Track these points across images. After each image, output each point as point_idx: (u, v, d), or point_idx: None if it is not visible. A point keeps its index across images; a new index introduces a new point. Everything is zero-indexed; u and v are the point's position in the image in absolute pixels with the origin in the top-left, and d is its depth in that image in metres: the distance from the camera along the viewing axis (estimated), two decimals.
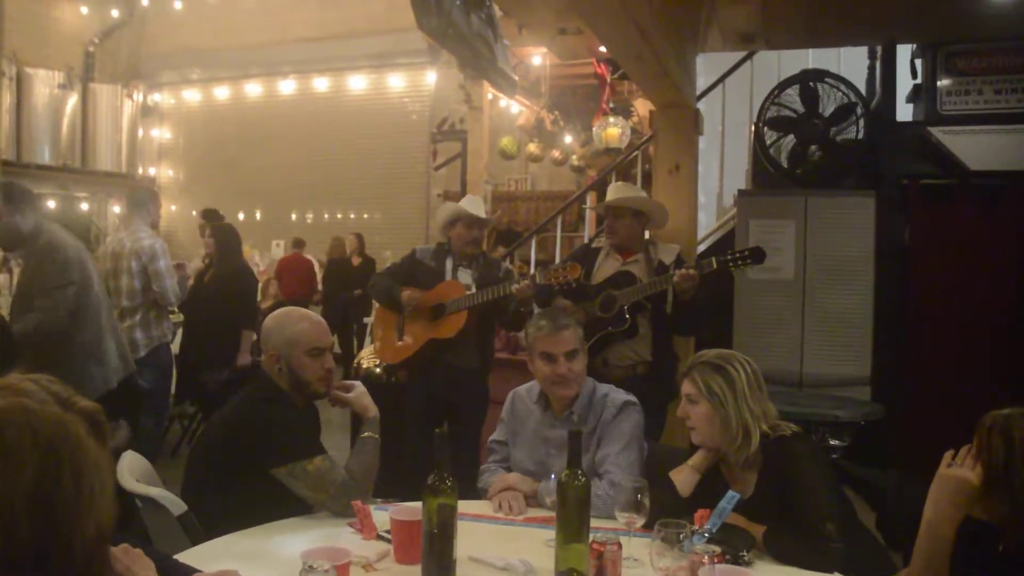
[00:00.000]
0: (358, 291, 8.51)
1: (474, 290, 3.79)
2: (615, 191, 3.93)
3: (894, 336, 5.14)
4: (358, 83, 11.62)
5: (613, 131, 7.04)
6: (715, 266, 3.44)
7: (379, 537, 2.05)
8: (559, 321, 2.49)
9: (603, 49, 5.73)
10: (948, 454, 1.62)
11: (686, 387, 2.23)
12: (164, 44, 12.22)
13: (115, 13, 12.17)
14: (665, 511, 1.91)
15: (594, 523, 1.86)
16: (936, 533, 1.55)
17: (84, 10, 11.93)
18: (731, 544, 1.86)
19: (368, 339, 7.91)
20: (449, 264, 3.93)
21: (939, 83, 5.15)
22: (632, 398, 2.49)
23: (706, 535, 1.87)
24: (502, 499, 2.31)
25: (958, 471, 1.56)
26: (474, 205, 3.95)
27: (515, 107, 8.94)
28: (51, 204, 10.79)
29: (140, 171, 12.06)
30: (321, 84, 11.81)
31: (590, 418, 2.45)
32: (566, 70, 7.87)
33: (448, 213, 4.00)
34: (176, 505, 2.17)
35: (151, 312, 4.64)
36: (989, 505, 1.54)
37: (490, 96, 7.88)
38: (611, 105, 7.43)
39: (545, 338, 2.46)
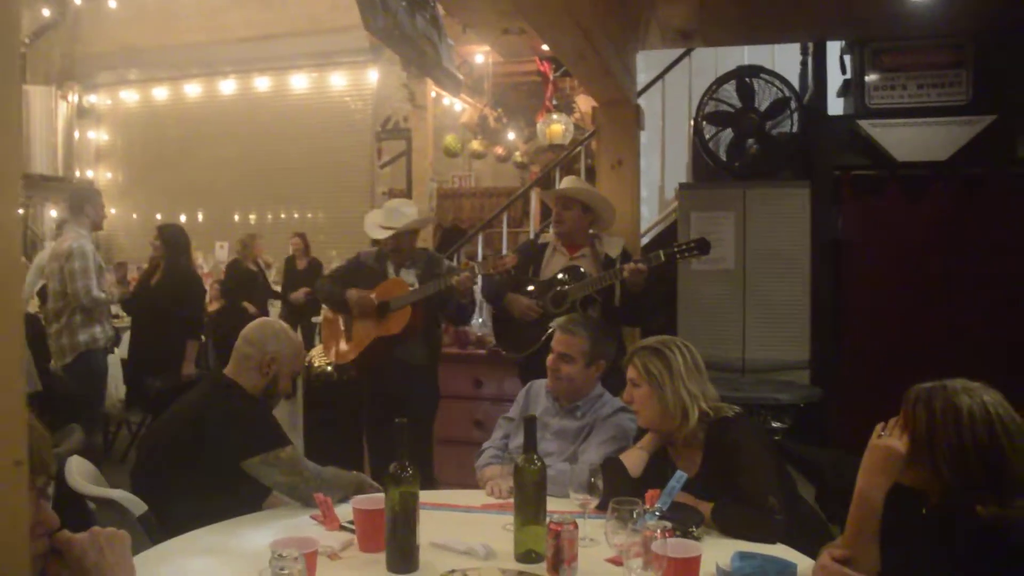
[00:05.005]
0: (305, 290, 8.44)
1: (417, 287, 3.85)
2: (568, 183, 4.00)
3: (830, 322, 5.33)
4: (300, 82, 11.48)
5: (557, 127, 7.10)
6: (663, 259, 3.55)
7: (342, 528, 2.10)
8: (567, 326, 2.77)
9: (546, 48, 5.81)
10: (879, 426, 1.73)
11: (629, 372, 2.35)
12: (99, 44, 11.88)
13: (46, 12, 11.79)
14: (618, 491, 2.00)
15: (550, 506, 1.95)
16: (867, 500, 1.66)
17: None
18: (681, 521, 1.95)
19: (317, 339, 7.87)
20: (391, 264, 3.98)
21: (867, 78, 5.35)
22: (628, 407, 2.54)
23: (657, 513, 1.96)
24: (493, 486, 2.49)
25: (887, 441, 1.67)
26: (388, 215, 3.90)
27: (459, 105, 8.94)
28: None
29: (77, 174, 11.74)
30: (262, 84, 11.62)
31: (589, 414, 2.69)
32: (509, 68, 7.90)
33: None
34: (136, 505, 2.18)
35: (76, 317, 4.51)
36: (914, 472, 1.65)
37: (433, 94, 7.85)
38: (554, 102, 7.50)
39: (555, 335, 2.77)
